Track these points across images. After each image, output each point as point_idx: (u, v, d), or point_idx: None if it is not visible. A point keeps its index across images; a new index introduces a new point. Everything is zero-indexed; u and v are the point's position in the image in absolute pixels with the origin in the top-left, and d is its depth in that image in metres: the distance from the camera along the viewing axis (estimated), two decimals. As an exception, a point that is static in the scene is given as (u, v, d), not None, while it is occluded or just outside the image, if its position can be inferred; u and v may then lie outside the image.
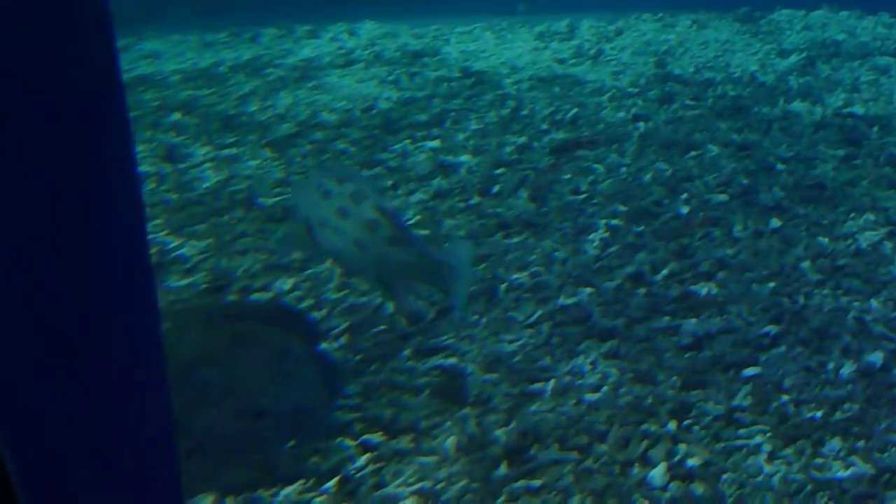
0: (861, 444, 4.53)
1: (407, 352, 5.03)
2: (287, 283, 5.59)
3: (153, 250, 5.81)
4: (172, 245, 6.01)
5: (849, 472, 4.38)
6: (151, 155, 7.38)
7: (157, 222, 6.12)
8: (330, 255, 4.49)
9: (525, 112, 8.57)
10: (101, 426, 0.99)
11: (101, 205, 1.05)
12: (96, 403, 1.10)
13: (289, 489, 4.11)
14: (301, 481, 4.15)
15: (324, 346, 5.00)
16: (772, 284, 5.70)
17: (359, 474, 4.21)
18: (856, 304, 5.52)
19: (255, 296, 5.48)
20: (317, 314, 5.30)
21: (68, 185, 0.96)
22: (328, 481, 4.16)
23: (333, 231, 4.24)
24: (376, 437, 4.42)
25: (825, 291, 5.65)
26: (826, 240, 6.24)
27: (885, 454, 4.48)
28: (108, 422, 1.01)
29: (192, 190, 6.88)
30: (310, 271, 5.72)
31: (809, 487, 4.27)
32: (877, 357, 5.07)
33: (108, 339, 1.02)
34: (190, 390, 4.03)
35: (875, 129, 8.17)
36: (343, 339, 5.09)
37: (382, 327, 5.23)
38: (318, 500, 4.08)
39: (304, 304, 5.40)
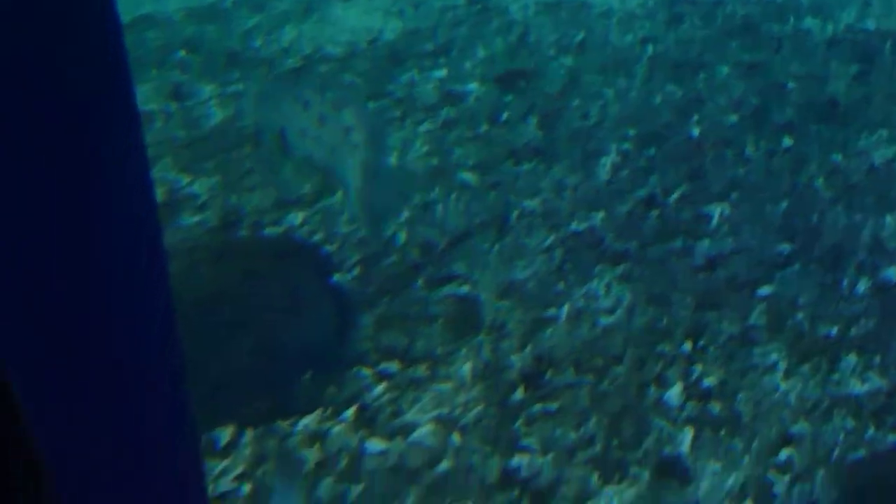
0: (877, 359, 4.53)
1: (420, 282, 5.03)
2: (298, 217, 5.57)
3: (162, 189, 5.80)
4: (182, 183, 5.99)
5: (865, 387, 4.38)
6: (157, 94, 7.33)
7: (166, 161, 6.10)
8: (314, 165, 4.45)
9: (532, 38, 8.48)
10: (106, 423, 0.98)
11: (106, 206, 1.03)
12: (103, 403, 1.08)
13: (307, 419, 4.13)
14: (319, 411, 4.17)
15: (337, 278, 5.00)
16: (785, 203, 5.66)
17: (376, 403, 4.23)
18: (870, 220, 5.49)
19: (267, 231, 5.46)
20: (329, 247, 5.28)
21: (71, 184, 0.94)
22: (346, 410, 4.18)
23: (313, 140, 4.20)
24: (392, 367, 4.43)
25: (839, 209, 5.61)
26: (839, 157, 6.18)
27: (902, 368, 4.49)
28: (112, 420, 1.00)
29: (200, 127, 6.84)
30: (321, 205, 5.69)
31: (826, 404, 4.28)
32: (892, 273, 5.05)
33: (112, 345, 1.00)
34: (204, 327, 4.04)
35: (888, 44, 8.06)
36: (356, 272, 5.08)
37: (394, 259, 5.21)
38: (336, 429, 4.11)
39: (316, 238, 5.39)
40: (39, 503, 0.79)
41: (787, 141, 6.39)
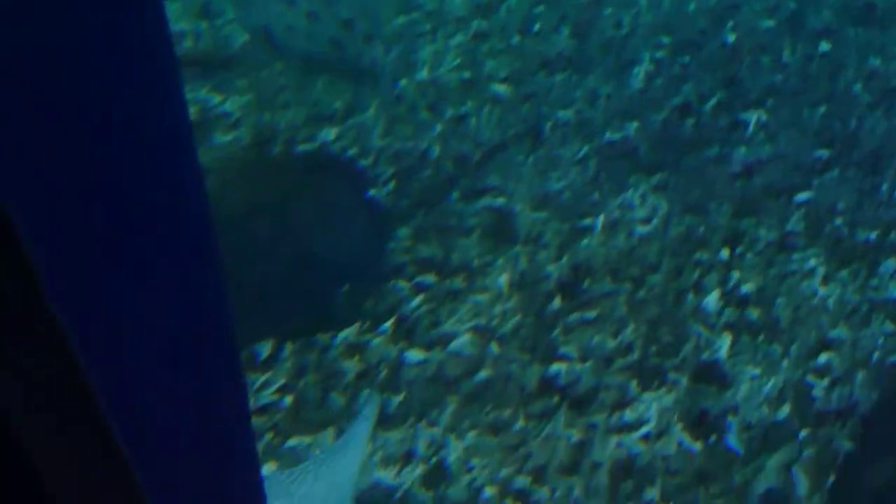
0: (917, 262, 4.50)
1: (455, 194, 5.02)
2: (331, 133, 5.56)
3: (194, 108, 5.80)
4: (214, 102, 5.98)
5: (905, 290, 4.36)
6: (186, 13, 7.29)
7: (197, 80, 6.08)
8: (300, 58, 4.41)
9: (563, -52, 8.34)
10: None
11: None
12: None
13: (346, 332, 4.16)
14: (358, 324, 4.20)
15: (372, 192, 5.00)
16: (822, 109, 5.58)
17: (414, 314, 4.25)
18: (910, 123, 5.41)
19: (301, 147, 5.46)
20: (363, 162, 5.28)
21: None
22: (385, 322, 4.21)
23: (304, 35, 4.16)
24: (430, 279, 4.44)
25: (878, 113, 5.53)
26: (878, 61, 6.07)
27: (942, 272, 4.45)
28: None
29: (230, 46, 6.81)
30: (353, 120, 5.68)
31: (865, 308, 4.26)
32: (932, 176, 4.99)
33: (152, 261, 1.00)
34: (243, 242, 4.06)
35: (927, -56, 7.87)
36: (391, 185, 5.08)
37: (429, 172, 5.20)
38: (375, 340, 4.14)
39: (350, 153, 5.38)
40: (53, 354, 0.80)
41: (825, 45, 6.28)
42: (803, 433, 3.70)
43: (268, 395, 3.88)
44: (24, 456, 0.87)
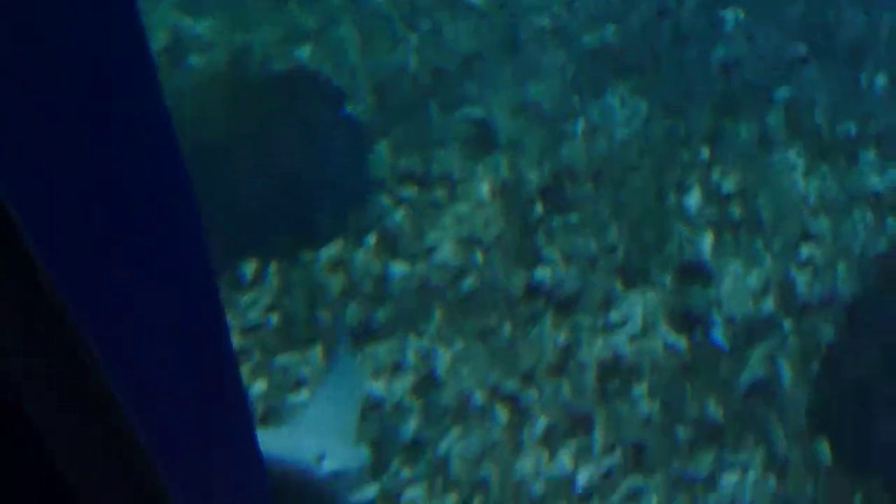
0: (897, 152, 4.51)
1: (433, 106, 4.99)
2: (306, 50, 5.51)
3: (166, 33, 5.73)
4: (187, 24, 5.91)
5: (884, 181, 4.37)
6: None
7: (167, 3, 6.01)
8: None
9: None
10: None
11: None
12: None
13: (330, 248, 4.17)
14: (341, 239, 4.20)
15: (349, 109, 4.97)
16: (800, 5, 5.53)
17: (397, 227, 4.26)
18: (887, 16, 5.37)
19: (276, 66, 5.41)
20: (340, 78, 5.24)
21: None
22: (368, 237, 4.21)
23: None
24: (411, 191, 4.44)
25: (855, 6, 5.48)
26: (855, -48, 6.01)
27: (922, 160, 4.46)
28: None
29: (200, -32, 6.71)
30: (328, 37, 5.62)
31: (845, 200, 4.28)
32: (910, 65, 4.97)
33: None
34: (224, 165, 4.04)
35: None
36: (368, 101, 5.05)
37: (406, 85, 5.16)
38: (359, 255, 4.15)
39: (326, 70, 5.34)
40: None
41: (801, -61, 6.21)
42: (787, 325, 3.74)
43: (255, 315, 3.89)
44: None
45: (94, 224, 0.90)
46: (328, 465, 3.10)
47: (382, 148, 4.71)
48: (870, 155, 4.49)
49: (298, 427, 3.24)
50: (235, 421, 1.26)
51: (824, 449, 3.29)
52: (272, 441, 3.14)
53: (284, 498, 3.10)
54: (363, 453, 3.25)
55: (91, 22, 0.86)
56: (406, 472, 3.32)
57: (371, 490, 3.23)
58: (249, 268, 4.08)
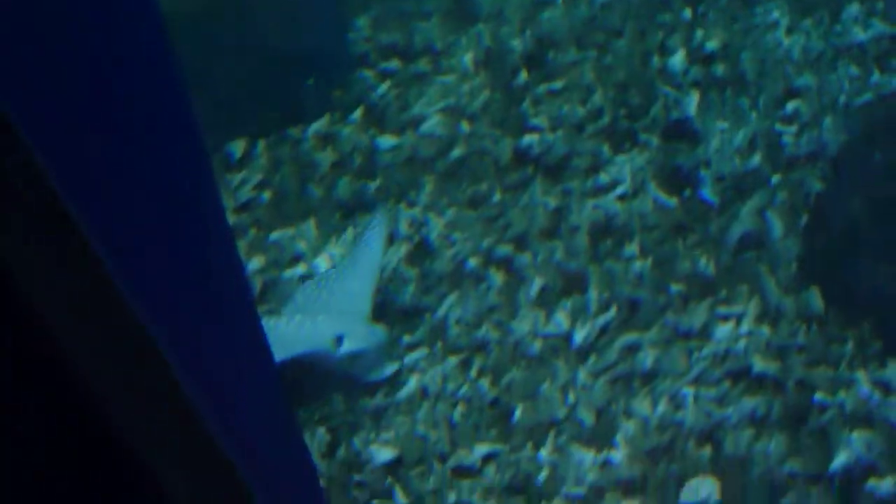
0: (880, 5, 4.48)
1: (412, -21, 4.93)
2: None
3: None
4: None
5: (868, 34, 4.36)
6: None
7: None
8: None
9: None
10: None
11: None
12: None
13: (316, 125, 4.16)
14: (327, 116, 4.19)
15: (327, -16, 4.90)
16: None
17: (382, 101, 4.24)
18: None
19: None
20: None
21: None
22: (353, 112, 4.20)
23: None
24: (394, 64, 4.41)
25: None
26: None
27: (905, 11, 4.44)
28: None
29: None
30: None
31: (830, 54, 4.27)
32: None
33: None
34: (203, 42, 3.99)
35: None
36: (345, -24, 4.98)
37: (383, -41, 5.08)
38: (346, 131, 4.14)
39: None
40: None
41: None
42: (775, 179, 3.77)
43: (246, 192, 3.90)
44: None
45: (80, 98, 0.89)
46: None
47: (363, 22, 4.66)
48: (853, 8, 4.47)
49: (314, 307, 3.29)
50: (235, 300, 1.27)
51: (816, 297, 3.34)
52: (285, 327, 3.20)
53: (302, 385, 3.17)
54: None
55: None
56: (406, 338, 3.37)
57: (391, 368, 3.27)
58: (237, 147, 4.08)
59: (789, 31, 4.42)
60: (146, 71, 1.00)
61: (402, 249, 3.66)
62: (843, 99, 4.06)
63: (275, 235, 3.75)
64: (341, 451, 3.10)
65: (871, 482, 2.93)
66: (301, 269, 3.63)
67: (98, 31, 0.90)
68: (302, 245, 3.72)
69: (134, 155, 0.96)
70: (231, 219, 3.70)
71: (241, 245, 3.62)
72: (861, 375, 3.15)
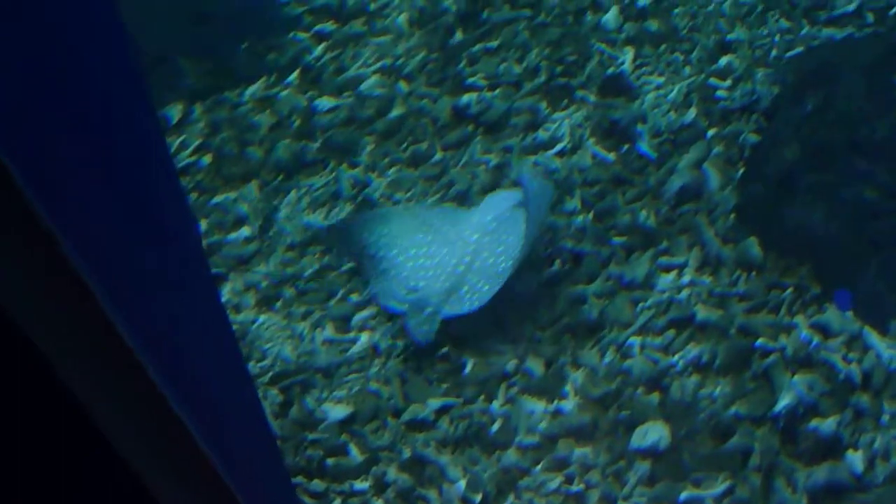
0: (806, -41, 4.56)
1: (342, -60, 4.89)
2: None
3: None
4: None
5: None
6: None
7: None
8: None
9: None
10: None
11: None
12: None
13: (253, 87, 4.13)
14: (263, 78, 4.16)
15: (256, -53, 4.84)
16: None
17: (318, 63, 4.22)
18: None
19: None
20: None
21: None
22: (290, 74, 4.17)
23: None
24: (328, 26, 4.39)
25: None
26: None
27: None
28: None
29: None
30: None
31: (760, 8, 4.33)
32: None
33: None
34: (132, 5, 3.93)
35: None
36: (274, -62, 4.92)
37: (312, -80, 5.03)
38: (283, 93, 4.11)
39: None
40: None
41: None
42: (711, 132, 3.83)
43: (186, 157, 3.86)
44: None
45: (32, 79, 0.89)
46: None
47: (295, -15, 4.63)
48: (781, -37, 4.54)
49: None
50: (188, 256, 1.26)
51: (754, 245, 3.41)
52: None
53: None
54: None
55: None
56: (354, 297, 3.38)
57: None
58: (174, 110, 4.03)
59: (721, -12, 4.48)
60: (99, 42, 0.99)
61: (346, 209, 3.66)
62: (774, 52, 4.13)
63: (217, 199, 3.73)
64: (294, 411, 3.10)
65: (814, 422, 3.01)
66: (245, 231, 3.61)
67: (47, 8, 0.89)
68: (245, 208, 3.70)
69: (89, 135, 0.96)
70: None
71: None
72: (801, 320, 3.23)
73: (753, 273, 3.38)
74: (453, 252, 3.34)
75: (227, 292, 3.39)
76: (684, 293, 3.35)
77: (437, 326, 3.21)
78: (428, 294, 3.24)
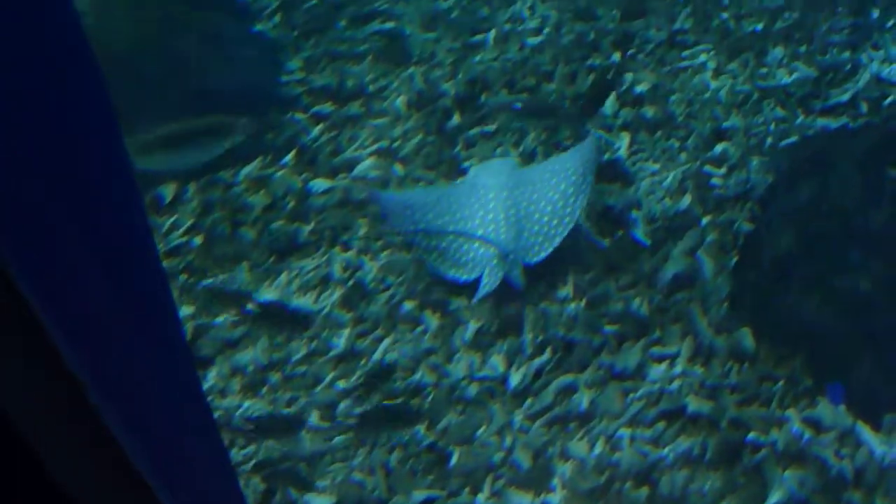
0: (803, 48, 4.59)
1: (343, 22, 4.94)
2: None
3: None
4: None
5: (793, 76, 4.45)
6: None
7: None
8: None
9: None
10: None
11: None
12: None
13: (249, 167, 4.13)
14: (259, 158, 4.16)
15: (259, 27, 4.89)
16: None
17: (315, 144, 4.23)
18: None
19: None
20: (245, -4, 5.14)
21: None
22: (286, 155, 4.18)
23: None
24: (326, 107, 4.41)
25: None
26: None
27: (827, 55, 4.55)
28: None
29: None
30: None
31: (756, 96, 4.35)
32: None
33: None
34: (131, 81, 3.95)
35: None
36: (277, 18, 4.97)
37: (314, 2, 5.09)
38: (278, 174, 4.12)
39: (231, -11, 5.23)
40: None
41: None
42: (705, 220, 3.82)
43: (177, 237, 3.85)
44: None
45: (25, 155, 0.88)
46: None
47: (294, 65, 4.66)
48: (778, 52, 4.57)
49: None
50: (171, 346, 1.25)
51: (747, 336, 3.38)
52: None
53: None
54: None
55: None
56: (341, 384, 3.34)
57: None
58: (168, 190, 4.03)
59: (716, 73, 4.50)
60: (80, 112, 0.98)
61: (337, 293, 3.63)
62: (769, 140, 4.14)
63: (207, 281, 3.70)
64: (277, 500, 3.05)
65: (805, 520, 2.95)
66: (232, 315, 3.58)
67: (34, 74, 0.88)
68: (234, 290, 3.68)
69: (69, 199, 0.95)
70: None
71: (172, 291, 3.57)
72: (793, 414, 3.19)
73: (746, 364, 3.34)
74: (497, 208, 3.64)
75: (212, 377, 3.35)
76: (676, 384, 3.31)
77: (520, 268, 3.53)
78: (496, 248, 3.53)
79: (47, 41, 0.89)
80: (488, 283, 3.48)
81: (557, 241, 3.59)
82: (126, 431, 1.01)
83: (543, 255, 3.57)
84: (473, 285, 3.52)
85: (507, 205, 3.63)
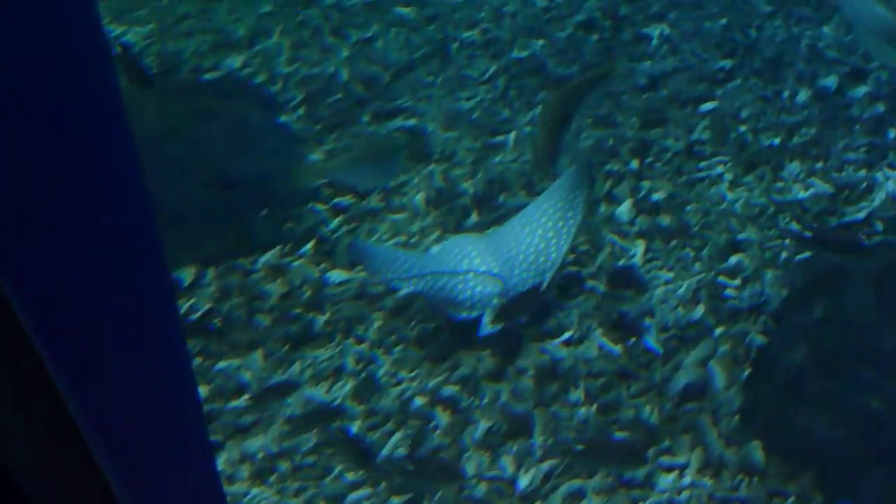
0: (819, 164, 4.65)
1: (366, 117, 5.02)
2: (237, 60, 5.50)
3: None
4: (116, 32, 5.86)
5: (809, 192, 4.50)
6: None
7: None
8: None
9: None
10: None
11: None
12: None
13: (267, 255, 4.17)
14: (278, 247, 4.20)
15: (283, 119, 4.97)
16: (723, 20, 5.68)
17: (334, 235, 4.27)
18: (808, 32, 5.54)
19: (207, 76, 5.39)
20: (272, 88, 5.24)
21: None
22: (305, 245, 4.22)
23: None
24: (346, 200, 4.46)
25: (777, 22, 5.65)
26: (774, -28, 6.19)
27: (843, 173, 4.61)
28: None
29: (126, -24, 6.65)
30: (259, 47, 5.62)
31: (772, 210, 4.40)
32: (831, 81, 5.13)
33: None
34: (157, 166, 4.02)
35: None
36: (301, 111, 5.06)
37: (339, 96, 5.18)
38: (296, 263, 4.15)
39: (258, 80, 5.34)
40: None
41: (722, -42, 6.37)
42: (718, 331, 3.84)
43: (194, 320, 3.87)
44: None
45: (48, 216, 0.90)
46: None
47: (316, 157, 4.73)
48: (794, 167, 4.63)
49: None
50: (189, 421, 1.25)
51: (757, 450, 3.37)
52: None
53: None
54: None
55: None
56: (350, 476, 3.33)
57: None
58: (187, 273, 4.06)
59: (733, 185, 4.56)
60: (85, 112, 1.00)
61: (349, 385, 3.64)
62: (784, 254, 4.17)
63: (221, 365, 3.72)
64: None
65: None
66: (244, 400, 3.59)
67: (35, 74, 0.90)
68: (247, 376, 3.69)
69: (69, 199, 0.96)
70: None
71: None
72: (802, 532, 3.17)
73: (756, 478, 3.33)
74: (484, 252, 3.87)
75: (222, 462, 3.35)
76: (684, 495, 3.30)
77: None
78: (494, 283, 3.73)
79: (54, 40, 0.90)
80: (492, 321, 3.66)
81: (556, 266, 3.80)
82: (108, 444, 1.01)
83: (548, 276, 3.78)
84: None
85: (491, 249, 3.86)
